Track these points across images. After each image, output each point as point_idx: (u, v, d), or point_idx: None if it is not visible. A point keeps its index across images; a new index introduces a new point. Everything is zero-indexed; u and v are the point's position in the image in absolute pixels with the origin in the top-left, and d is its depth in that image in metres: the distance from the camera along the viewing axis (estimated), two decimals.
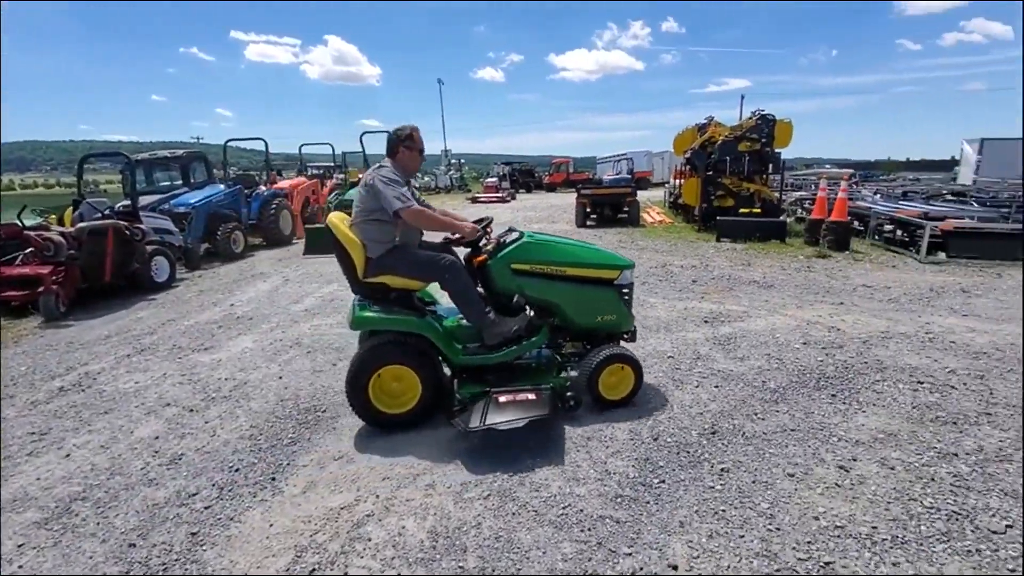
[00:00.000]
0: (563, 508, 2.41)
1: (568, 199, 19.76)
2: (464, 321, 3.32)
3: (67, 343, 5.14)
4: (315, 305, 6.22)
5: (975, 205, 11.11)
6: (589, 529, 2.27)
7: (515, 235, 3.37)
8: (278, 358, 4.49)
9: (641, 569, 2.05)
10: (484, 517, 2.38)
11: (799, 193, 15.07)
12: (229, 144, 12.75)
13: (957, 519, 2.26)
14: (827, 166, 33.56)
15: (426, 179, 37.13)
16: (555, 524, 2.31)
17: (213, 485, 2.69)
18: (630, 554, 2.12)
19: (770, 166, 11.12)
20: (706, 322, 5.08)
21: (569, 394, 3.15)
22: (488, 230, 3.41)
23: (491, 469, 2.73)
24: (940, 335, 4.55)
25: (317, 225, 10.14)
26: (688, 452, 2.85)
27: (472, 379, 3.22)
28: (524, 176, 35.86)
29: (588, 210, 13.43)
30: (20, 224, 6.88)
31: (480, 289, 3.32)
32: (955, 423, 3.08)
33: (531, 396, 2.98)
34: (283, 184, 13.28)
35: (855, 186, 15.25)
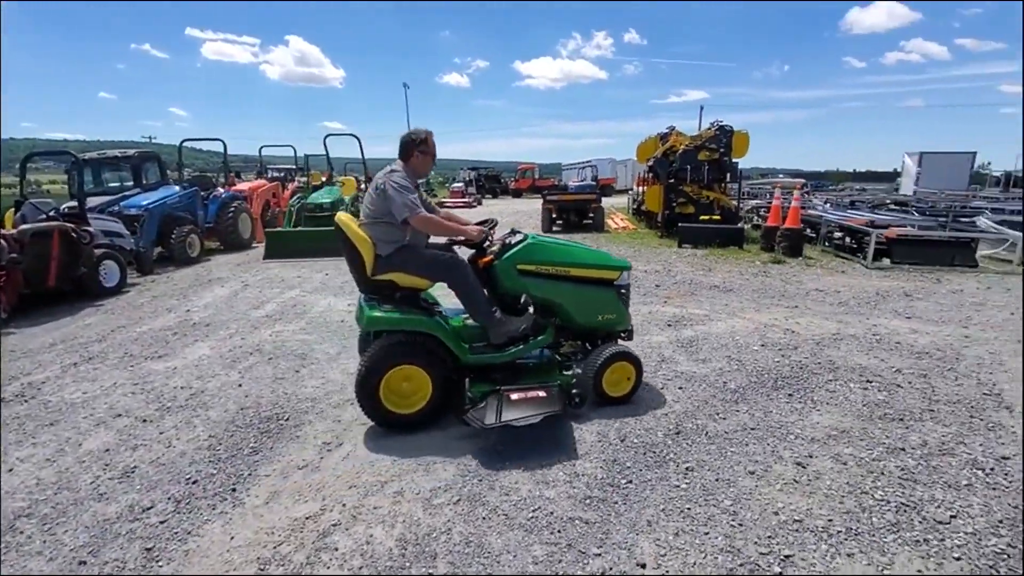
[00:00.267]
0: (533, 511, 2.42)
1: (533, 205, 19.88)
2: (470, 321, 3.35)
3: (8, 351, 4.84)
4: (276, 311, 6.06)
5: (916, 214, 11.79)
6: (559, 531, 2.29)
7: (520, 236, 3.42)
8: (238, 365, 4.35)
9: (611, 569, 2.08)
10: (454, 523, 2.36)
11: (755, 201, 15.60)
12: (185, 144, 12.34)
13: (906, 510, 2.39)
14: (781, 176, 34.92)
15: None
16: (525, 527, 2.32)
17: (169, 498, 2.58)
18: (600, 554, 2.15)
19: (728, 175, 11.51)
20: (669, 325, 5.20)
21: (575, 391, 3.19)
22: (492, 232, 3.44)
23: (460, 474, 2.72)
24: (886, 336, 4.80)
25: (278, 229, 9.89)
26: (654, 452, 2.91)
27: (480, 378, 3.24)
28: (490, 182, 36.04)
29: (554, 216, 13.60)
30: None
31: (484, 290, 3.33)
32: (902, 419, 3.25)
33: (542, 393, 3.07)
34: (243, 187, 12.91)
35: (807, 195, 15.88)
